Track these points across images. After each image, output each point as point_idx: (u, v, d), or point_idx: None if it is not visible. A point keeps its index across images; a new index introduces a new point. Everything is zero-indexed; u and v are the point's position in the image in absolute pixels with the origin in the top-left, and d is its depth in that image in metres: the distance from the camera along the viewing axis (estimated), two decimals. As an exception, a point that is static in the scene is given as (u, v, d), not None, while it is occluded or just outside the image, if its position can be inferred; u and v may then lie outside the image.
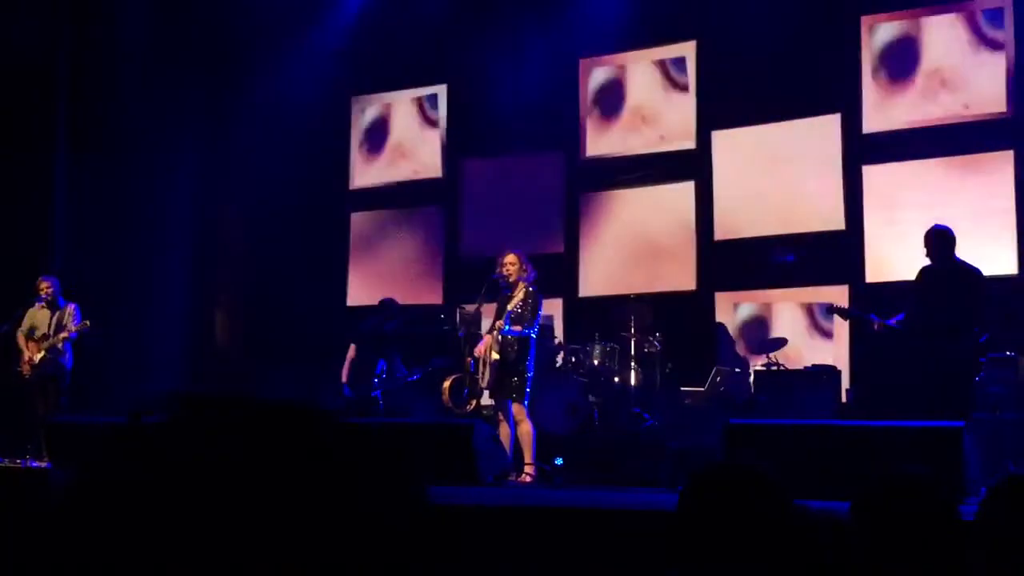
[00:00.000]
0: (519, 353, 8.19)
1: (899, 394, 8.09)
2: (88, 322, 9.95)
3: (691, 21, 11.16)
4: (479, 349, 8.38)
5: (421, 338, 10.91)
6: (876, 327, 8.19)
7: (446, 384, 9.38)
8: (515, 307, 8.16)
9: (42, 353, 9.98)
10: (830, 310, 8.66)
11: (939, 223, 8.00)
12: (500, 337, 8.20)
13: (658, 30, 11.34)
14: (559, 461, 8.91)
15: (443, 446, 7.92)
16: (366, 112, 13.13)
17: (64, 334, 9.95)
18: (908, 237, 8.98)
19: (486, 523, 5.43)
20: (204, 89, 12.33)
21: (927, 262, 7.93)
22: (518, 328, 8.18)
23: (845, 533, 2.49)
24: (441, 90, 12.64)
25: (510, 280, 8.37)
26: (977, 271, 7.83)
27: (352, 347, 10.66)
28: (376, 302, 11.29)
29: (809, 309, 10.46)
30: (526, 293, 8.22)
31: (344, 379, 10.59)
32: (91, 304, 10.33)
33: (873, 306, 8.88)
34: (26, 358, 10.04)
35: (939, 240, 7.81)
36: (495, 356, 8.20)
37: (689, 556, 2.19)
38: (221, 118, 12.51)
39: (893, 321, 8.08)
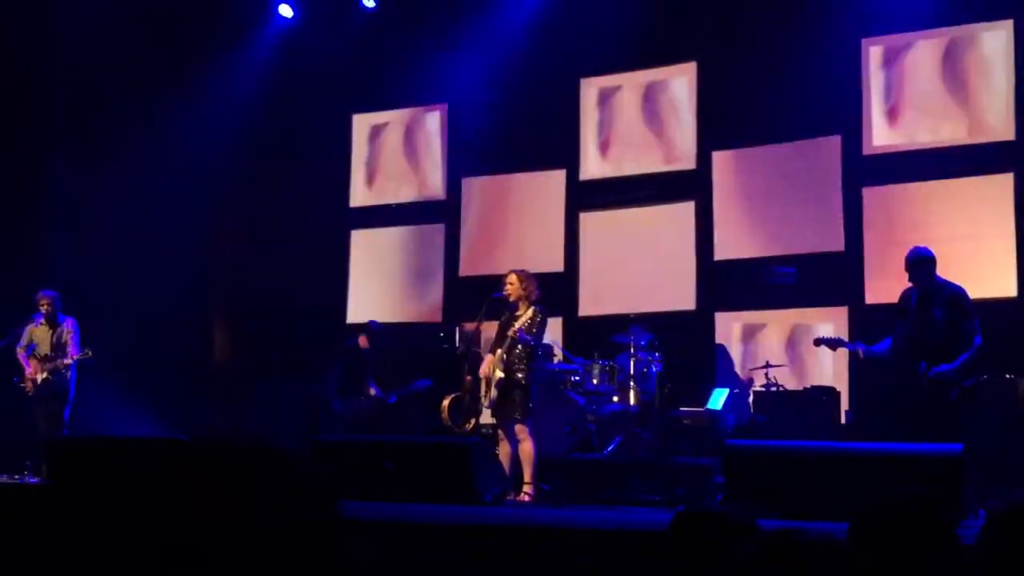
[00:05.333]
0: (523, 371, 8.20)
1: (892, 417, 8.09)
2: (89, 351, 9.93)
3: (692, 42, 11.19)
4: (483, 370, 8.38)
5: (397, 362, 10.97)
6: (861, 355, 8.22)
7: (445, 403, 9.37)
8: (523, 324, 8.18)
9: (44, 373, 9.97)
10: (816, 342, 8.70)
11: (918, 246, 8.02)
12: (504, 355, 8.21)
13: (658, 50, 11.37)
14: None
15: (441, 465, 7.91)
16: (367, 130, 13.14)
17: (68, 360, 9.94)
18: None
19: (484, 543, 5.42)
20: (204, 103, 12.33)
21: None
22: (527, 338, 8.20)
23: (843, 556, 2.49)
24: (442, 108, 12.67)
25: (511, 299, 8.40)
26: (959, 289, 7.83)
27: (340, 362, 10.73)
28: (375, 320, 11.30)
29: (809, 330, 10.45)
30: (534, 313, 8.25)
31: (334, 393, 10.62)
32: (91, 320, 10.32)
33: (873, 327, 8.90)
34: (29, 374, 10.03)
35: (920, 264, 7.83)
36: (499, 374, 8.21)
37: None
38: (221, 135, 12.51)
39: (879, 348, 8.09)
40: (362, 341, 10.85)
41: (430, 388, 10.52)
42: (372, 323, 11.01)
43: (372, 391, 10.58)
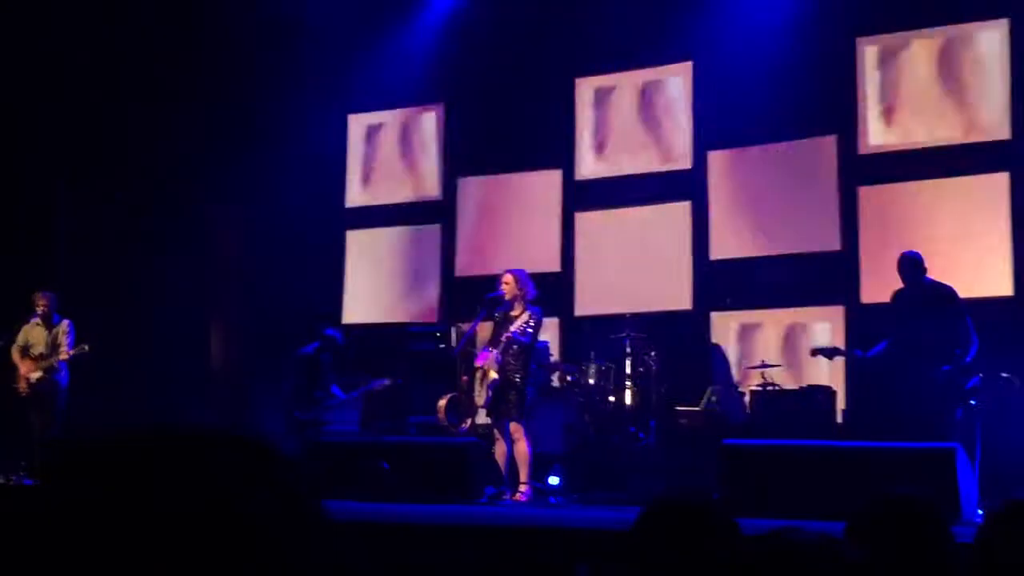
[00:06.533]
0: (519, 372, 8.19)
1: (889, 417, 8.11)
2: (87, 346, 9.90)
3: (687, 42, 11.19)
4: (479, 361, 8.37)
5: (353, 366, 11.02)
6: (860, 361, 8.27)
7: (442, 403, 9.37)
8: (518, 327, 8.16)
9: (39, 372, 9.95)
10: (813, 353, 8.72)
11: (907, 250, 8.11)
12: (499, 356, 8.20)
13: (654, 50, 11.37)
14: (555, 480, 8.90)
15: (438, 464, 7.93)
16: (363, 130, 13.14)
17: (62, 356, 9.91)
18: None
19: (480, 542, 5.42)
20: (201, 102, 12.32)
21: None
22: (522, 340, 8.19)
23: (840, 555, 2.49)
24: (438, 109, 12.67)
25: (506, 299, 8.40)
26: (950, 289, 7.88)
27: (294, 373, 10.80)
28: (375, 320, 11.33)
29: (805, 329, 10.46)
30: (530, 315, 8.23)
31: (293, 402, 10.68)
32: (86, 319, 10.31)
33: (869, 326, 8.92)
34: (22, 374, 10.02)
35: (911, 266, 7.94)
36: (493, 375, 8.20)
37: None
38: (218, 135, 12.50)
39: (874, 352, 8.12)
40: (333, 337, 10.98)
41: (386, 386, 10.61)
42: (328, 330, 11.10)
43: (334, 393, 10.68)
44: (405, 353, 11.47)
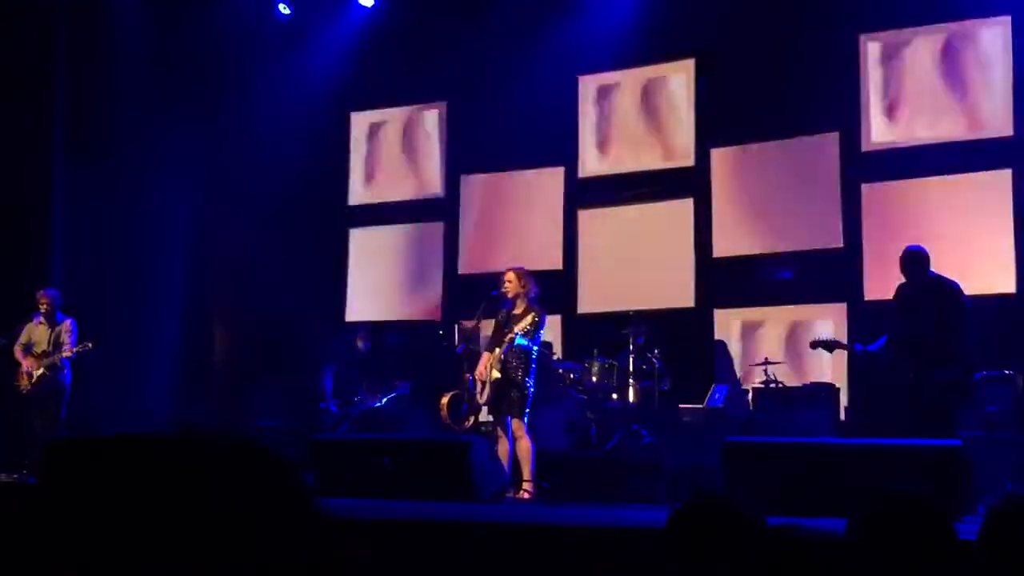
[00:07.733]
0: (521, 370, 8.18)
1: (890, 415, 8.10)
2: (90, 344, 9.90)
3: (690, 39, 11.19)
4: (479, 370, 8.36)
5: (386, 360, 11.06)
6: (860, 355, 8.26)
7: (444, 400, 9.37)
8: (523, 328, 8.13)
9: (41, 370, 9.95)
10: (813, 345, 8.71)
11: (911, 244, 8.08)
12: (502, 355, 8.19)
13: (657, 48, 11.37)
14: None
15: (441, 463, 7.92)
16: (365, 128, 13.14)
17: (66, 352, 9.91)
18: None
19: (483, 540, 5.42)
20: (202, 101, 12.32)
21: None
22: (525, 341, 8.18)
23: (842, 551, 2.49)
24: (440, 106, 12.66)
25: (508, 296, 8.40)
26: (953, 284, 7.85)
27: (333, 365, 10.85)
28: (374, 319, 11.32)
29: (808, 327, 10.45)
30: (533, 316, 8.21)
31: (329, 396, 10.72)
32: (89, 318, 10.30)
33: (872, 324, 8.91)
34: (23, 371, 10.01)
35: (913, 261, 7.89)
36: (496, 374, 8.19)
37: None
38: (219, 133, 12.50)
39: (875, 347, 8.11)
40: (360, 342, 11.02)
41: (414, 387, 10.67)
42: (349, 331, 11.16)
43: (359, 396, 10.71)
44: (408, 351, 11.51)
